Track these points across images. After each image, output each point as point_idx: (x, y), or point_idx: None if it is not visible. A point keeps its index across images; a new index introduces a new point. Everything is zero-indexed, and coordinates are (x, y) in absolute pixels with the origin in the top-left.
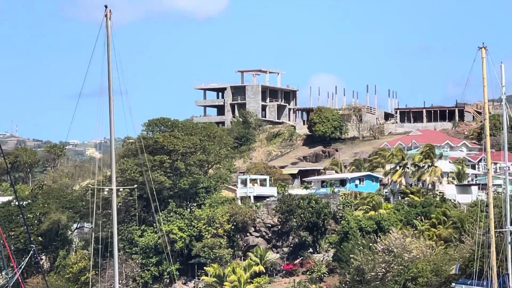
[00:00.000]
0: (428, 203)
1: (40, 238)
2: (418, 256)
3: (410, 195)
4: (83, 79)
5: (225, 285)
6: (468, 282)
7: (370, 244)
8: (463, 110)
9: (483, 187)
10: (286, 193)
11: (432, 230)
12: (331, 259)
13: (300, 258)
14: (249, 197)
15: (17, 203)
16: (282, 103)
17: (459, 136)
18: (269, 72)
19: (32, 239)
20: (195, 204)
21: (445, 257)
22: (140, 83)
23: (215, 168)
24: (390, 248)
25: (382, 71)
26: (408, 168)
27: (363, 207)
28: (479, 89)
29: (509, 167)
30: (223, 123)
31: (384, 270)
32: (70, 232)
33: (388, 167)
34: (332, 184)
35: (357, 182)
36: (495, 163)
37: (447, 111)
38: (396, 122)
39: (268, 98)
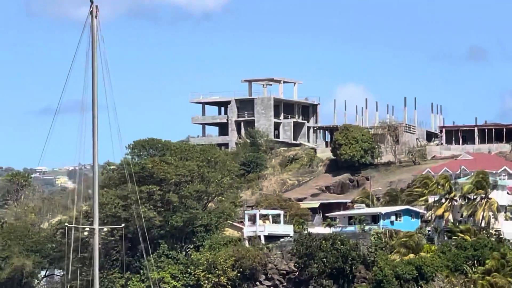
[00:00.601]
0: (481, 244)
1: None
2: None
3: (458, 234)
4: (59, 92)
5: None
6: None
7: None
8: None
9: None
10: (305, 232)
11: (486, 279)
12: None
13: None
14: (259, 237)
15: None
16: (300, 120)
17: None
18: (283, 82)
19: None
20: (191, 246)
21: None
22: (124, 95)
23: (217, 201)
24: None
25: (424, 81)
26: (456, 200)
27: (401, 250)
28: None
29: None
30: (226, 145)
31: None
32: (36, 281)
33: (431, 199)
34: (362, 221)
35: (392, 218)
36: None
37: (504, 129)
38: (441, 144)
39: (282, 114)
